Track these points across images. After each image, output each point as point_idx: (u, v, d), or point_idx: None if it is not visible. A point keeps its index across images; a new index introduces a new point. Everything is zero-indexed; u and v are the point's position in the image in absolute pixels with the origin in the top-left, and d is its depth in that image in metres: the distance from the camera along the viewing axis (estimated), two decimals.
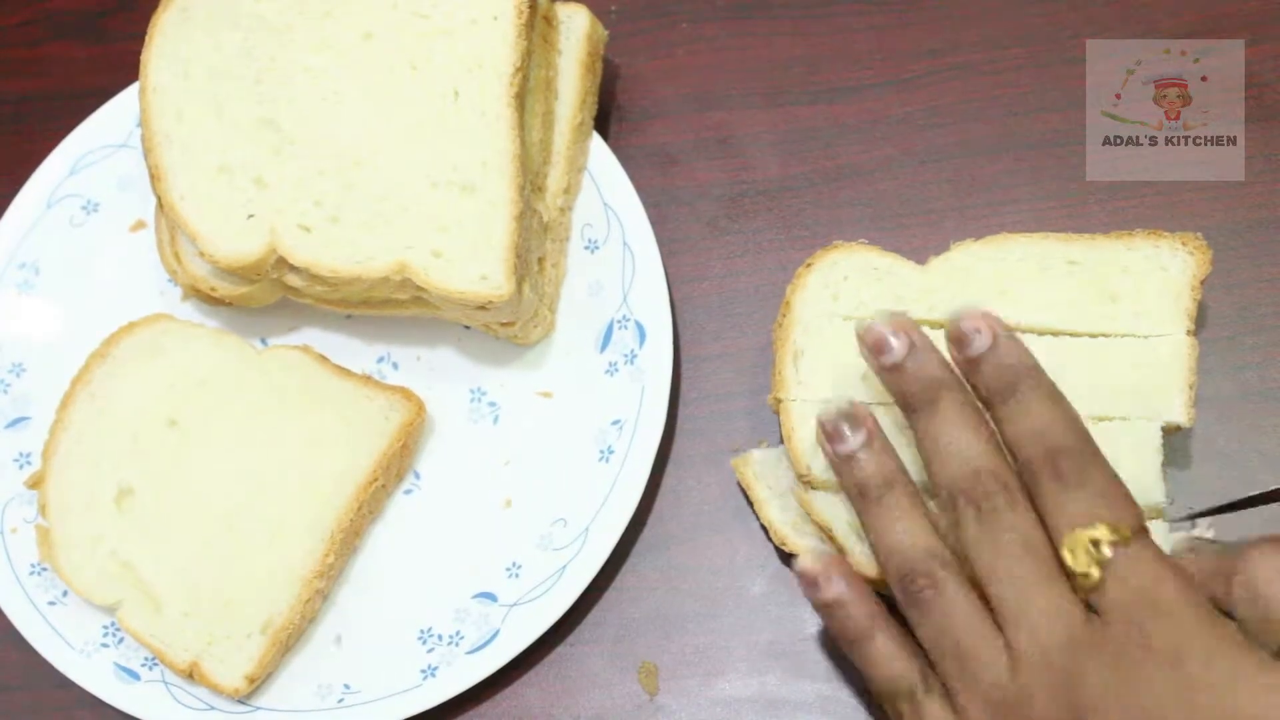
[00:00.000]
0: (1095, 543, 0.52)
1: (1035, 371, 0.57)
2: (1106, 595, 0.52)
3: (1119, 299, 0.64)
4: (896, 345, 0.58)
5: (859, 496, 0.59)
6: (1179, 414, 0.62)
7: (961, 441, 0.56)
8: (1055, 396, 0.56)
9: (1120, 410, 0.62)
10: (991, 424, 0.57)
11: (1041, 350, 0.58)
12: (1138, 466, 0.61)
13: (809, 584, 0.59)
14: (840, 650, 0.62)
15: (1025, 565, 0.54)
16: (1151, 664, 0.50)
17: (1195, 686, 0.49)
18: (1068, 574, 0.53)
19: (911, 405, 0.58)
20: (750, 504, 0.68)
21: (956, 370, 0.58)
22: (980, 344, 0.57)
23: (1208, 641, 0.50)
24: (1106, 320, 0.64)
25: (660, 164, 0.76)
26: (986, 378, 0.57)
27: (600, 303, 0.71)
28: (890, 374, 0.59)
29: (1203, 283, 0.64)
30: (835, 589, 0.58)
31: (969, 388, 0.58)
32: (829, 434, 0.60)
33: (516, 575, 0.67)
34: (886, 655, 0.57)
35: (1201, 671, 0.49)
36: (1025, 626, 0.53)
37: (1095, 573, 0.52)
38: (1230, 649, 0.50)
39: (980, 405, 0.58)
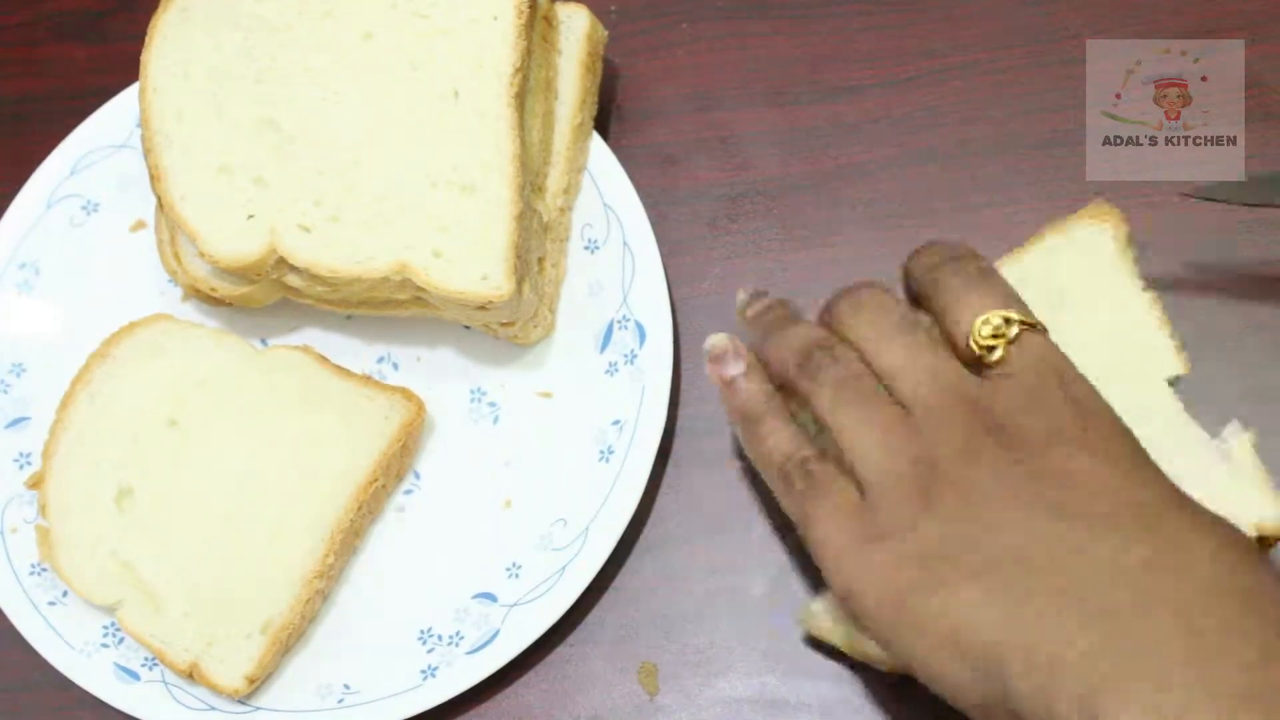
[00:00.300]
0: (1006, 320, 0.55)
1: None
2: (1009, 360, 0.54)
3: (1066, 293, 0.65)
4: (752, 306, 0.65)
5: (741, 421, 0.61)
6: (1175, 365, 0.64)
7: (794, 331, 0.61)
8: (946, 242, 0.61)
9: (1124, 376, 0.63)
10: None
11: None
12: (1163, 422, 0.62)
13: (715, 360, 0.62)
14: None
15: (912, 335, 0.56)
16: (1057, 400, 0.53)
17: (1096, 424, 0.53)
18: (968, 360, 0.55)
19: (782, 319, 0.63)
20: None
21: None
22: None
23: (1106, 408, 0.54)
24: (1061, 321, 0.64)
25: (660, 164, 0.76)
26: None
27: (600, 303, 0.71)
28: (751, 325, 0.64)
29: (1130, 239, 0.66)
30: (739, 366, 0.61)
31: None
32: (714, 359, 0.62)
33: (516, 575, 0.67)
34: (781, 431, 0.59)
35: (1101, 414, 0.54)
36: (914, 379, 0.55)
37: (1001, 350, 0.54)
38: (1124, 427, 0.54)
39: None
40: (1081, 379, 0.55)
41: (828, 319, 0.60)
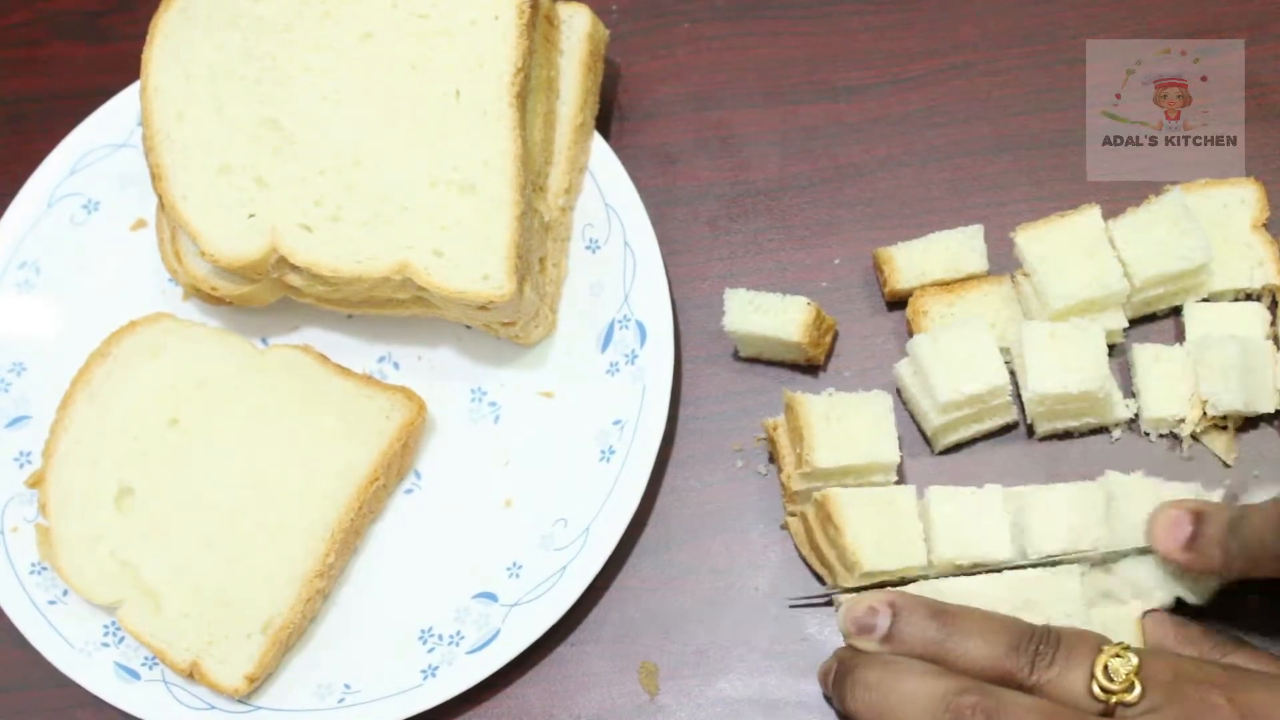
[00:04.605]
0: (1118, 656, 0.55)
1: (943, 606, 0.60)
2: (1148, 692, 0.55)
3: None
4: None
5: None
6: None
7: (913, 686, 0.57)
8: (971, 610, 0.59)
9: None
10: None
11: None
12: None
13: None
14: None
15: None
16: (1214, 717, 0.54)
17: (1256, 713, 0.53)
18: (1108, 708, 0.55)
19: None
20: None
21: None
22: (884, 623, 0.60)
23: (1244, 680, 0.55)
24: None
25: (661, 164, 0.76)
26: (911, 642, 0.59)
27: (601, 302, 0.71)
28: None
29: None
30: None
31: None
32: None
33: (517, 575, 0.67)
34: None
35: (1252, 700, 0.54)
36: None
37: (1136, 682, 0.55)
38: (1256, 677, 0.55)
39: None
40: (1197, 666, 0.56)
41: None
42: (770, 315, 0.68)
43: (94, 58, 0.84)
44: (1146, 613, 0.61)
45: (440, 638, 0.67)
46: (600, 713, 0.67)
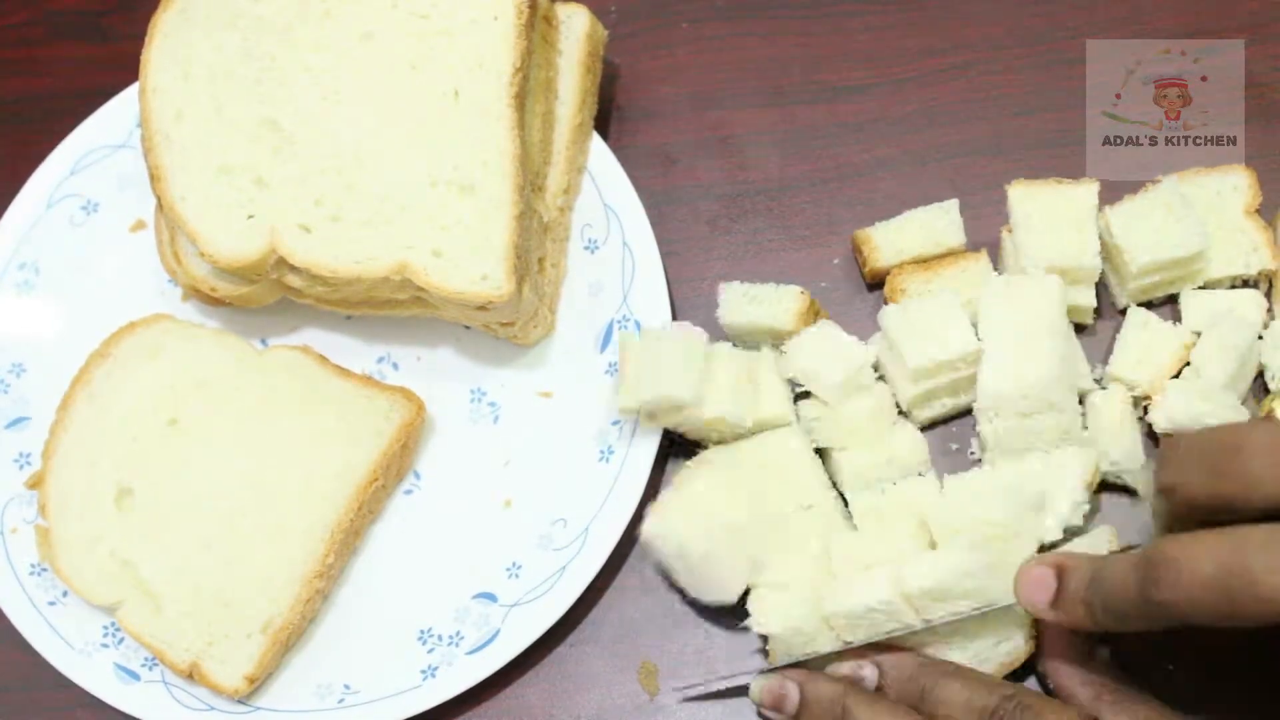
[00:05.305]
0: None
1: (926, 662, 0.60)
2: None
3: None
4: (790, 692, 0.62)
5: None
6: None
7: None
8: (955, 671, 0.59)
9: None
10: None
11: None
12: None
13: (774, 707, 0.62)
14: None
15: None
16: None
17: None
18: None
19: None
20: None
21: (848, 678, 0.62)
22: (871, 675, 0.61)
23: None
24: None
25: (660, 164, 0.76)
26: (894, 692, 0.60)
27: (600, 303, 0.71)
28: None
29: None
30: (793, 692, 0.61)
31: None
32: (770, 705, 0.62)
33: (516, 575, 0.67)
34: (872, 710, 0.59)
35: None
36: None
37: None
38: None
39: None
40: None
41: None
42: (764, 305, 0.68)
43: (94, 58, 0.84)
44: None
45: (440, 638, 0.67)
46: (600, 713, 0.67)
